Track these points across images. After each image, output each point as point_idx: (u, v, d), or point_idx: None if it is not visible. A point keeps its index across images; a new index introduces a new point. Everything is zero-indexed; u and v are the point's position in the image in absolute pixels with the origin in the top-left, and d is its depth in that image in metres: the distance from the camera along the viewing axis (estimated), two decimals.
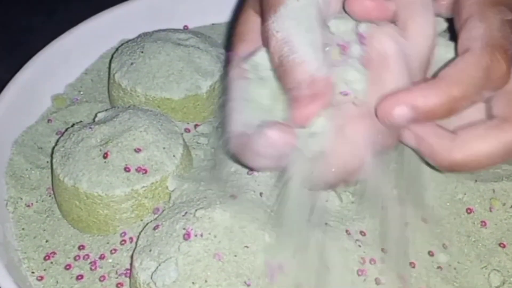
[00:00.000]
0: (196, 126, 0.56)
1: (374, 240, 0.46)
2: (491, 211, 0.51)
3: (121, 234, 0.50)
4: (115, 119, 0.51)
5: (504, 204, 0.51)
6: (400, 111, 0.37)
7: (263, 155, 0.38)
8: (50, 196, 0.53)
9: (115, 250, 0.49)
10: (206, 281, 0.43)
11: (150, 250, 0.45)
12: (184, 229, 0.45)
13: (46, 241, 0.50)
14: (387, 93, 0.37)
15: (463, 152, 0.38)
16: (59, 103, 0.59)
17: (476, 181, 0.51)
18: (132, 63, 0.56)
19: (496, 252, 0.49)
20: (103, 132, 0.50)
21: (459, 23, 0.40)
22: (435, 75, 0.38)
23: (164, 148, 0.50)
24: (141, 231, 0.47)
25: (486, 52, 0.37)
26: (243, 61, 0.40)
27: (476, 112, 0.40)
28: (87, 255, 0.49)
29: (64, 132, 0.53)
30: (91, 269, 0.48)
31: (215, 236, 0.45)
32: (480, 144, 0.38)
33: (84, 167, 0.49)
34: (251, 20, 0.43)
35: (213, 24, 0.67)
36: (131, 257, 0.47)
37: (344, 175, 0.39)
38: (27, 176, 0.54)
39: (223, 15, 0.66)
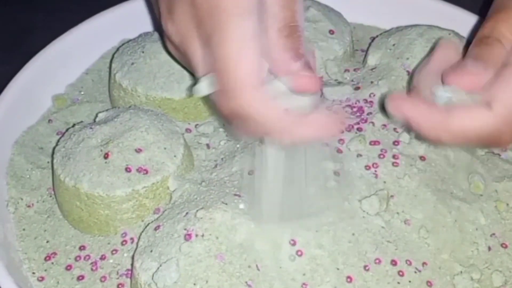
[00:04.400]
0: (197, 126, 0.56)
1: None
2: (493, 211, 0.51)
3: (122, 235, 0.49)
4: (116, 119, 0.51)
5: (507, 205, 0.51)
6: None
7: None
8: (50, 196, 0.53)
9: (116, 250, 0.49)
10: (207, 282, 0.43)
11: (151, 251, 0.45)
12: (185, 229, 0.45)
13: (47, 242, 0.50)
14: None
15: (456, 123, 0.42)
16: (59, 103, 0.59)
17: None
18: (133, 63, 0.56)
19: (498, 253, 0.49)
20: (104, 132, 0.50)
21: None
22: None
23: (165, 148, 0.50)
24: (142, 231, 0.47)
25: None
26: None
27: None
28: (88, 255, 0.49)
29: (64, 133, 0.52)
30: (92, 269, 0.48)
31: (216, 237, 0.45)
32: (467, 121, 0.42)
33: (85, 167, 0.48)
34: None
35: None
36: (132, 257, 0.47)
37: None
38: (28, 176, 0.54)
39: None
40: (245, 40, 0.40)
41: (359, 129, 0.53)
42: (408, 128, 0.44)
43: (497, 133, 0.43)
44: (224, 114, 0.42)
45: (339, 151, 0.51)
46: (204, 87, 0.42)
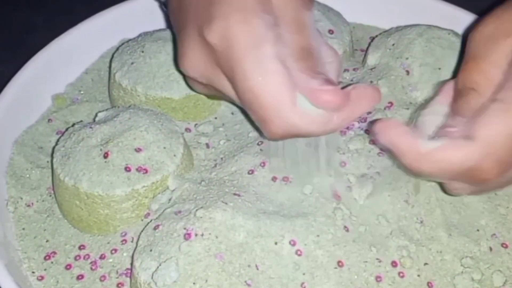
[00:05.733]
0: (196, 125, 0.56)
1: None
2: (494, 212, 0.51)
3: (121, 234, 0.49)
4: (115, 119, 0.51)
5: (507, 207, 0.51)
6: None
7: None
8: (50, 196, 0.53)
9: (116, 250, 0.49)
10: (206, 281, 0.43)
11: (151, 250, 0.45)
12: (184, 229, 0.45)
13: (47, 241, 0.50)
14: None
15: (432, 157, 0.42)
16: (59, 103, 0.59)
17: None
18: (132, 63, 0.56)
19: (499, 253, 0.49)
20: (104, 132, 0.50)
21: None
22: None
23: (164, 147, 0.50)
24: (142, 230, 0.47)
25: None
26: None
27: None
28: (87, 255, 0.49)
29: (64, 132, 0.52)
30: (91, 269, 0.48)
31: (216, 236, 0.45)
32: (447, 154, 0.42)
33: (84, 166, 0.48)
34: None
35: None
36: (132, 257, 0.47)
37: None
38: (28, 175, 0.54)
39: None
40: (267, 68, 0.42)
41: (359, 128, 0.53)
42: (392, 156, 0.44)
43: (478, 169, 0.42)
44: (274, 138, 0.44)
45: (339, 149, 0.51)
46: None
